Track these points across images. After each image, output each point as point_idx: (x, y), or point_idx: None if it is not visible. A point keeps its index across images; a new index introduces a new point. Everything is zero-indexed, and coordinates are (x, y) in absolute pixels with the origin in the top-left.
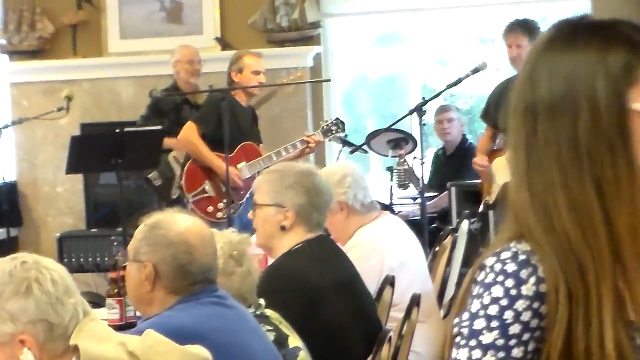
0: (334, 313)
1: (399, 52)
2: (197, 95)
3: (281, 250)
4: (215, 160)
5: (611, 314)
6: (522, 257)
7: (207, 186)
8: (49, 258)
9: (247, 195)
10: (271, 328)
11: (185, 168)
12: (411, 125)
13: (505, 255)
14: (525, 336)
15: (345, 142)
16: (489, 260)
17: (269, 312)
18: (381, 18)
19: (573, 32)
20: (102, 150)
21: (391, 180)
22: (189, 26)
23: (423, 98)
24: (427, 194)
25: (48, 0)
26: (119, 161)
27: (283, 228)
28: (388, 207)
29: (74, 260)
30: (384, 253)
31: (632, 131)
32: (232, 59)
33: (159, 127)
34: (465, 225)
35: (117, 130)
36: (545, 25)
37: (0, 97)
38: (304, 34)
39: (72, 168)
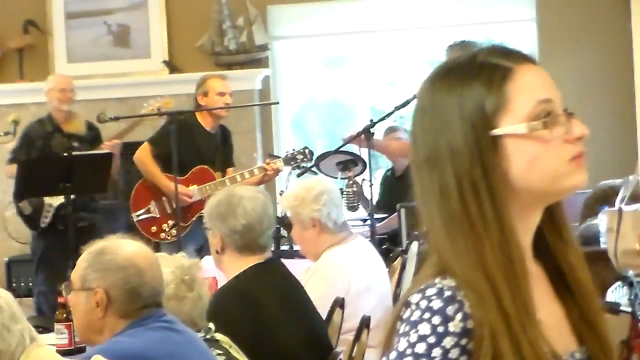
0: (283, 335)
1: (347, 74)
2: (68, 123)
3: (230, 273)
4: (164, 180)
5: (534, 346)
6: (447, 293)
7: (153, 206)
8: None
9: (194, 219)
10: (221, 352)
11: (135, 187)
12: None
13: (431, 291)
14: None
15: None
16: (414, 297)
17: (219, 336)
18: (329, 40)
19: (435, 81)
20: (50, 175)
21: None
22: (136, 50)
23: (371, 120)
24: (376, 216)
25: None
26: (67, 185)
27: (217, 252)
28: None
29: (22, 284)
30: (351, 277)
31: (502, 161)
32: (198, 83)
33: (107, 152)
34: (415, 246)
35: (65, 154)
36: None
37: None
38: (252, 56)
39: (20, 193)
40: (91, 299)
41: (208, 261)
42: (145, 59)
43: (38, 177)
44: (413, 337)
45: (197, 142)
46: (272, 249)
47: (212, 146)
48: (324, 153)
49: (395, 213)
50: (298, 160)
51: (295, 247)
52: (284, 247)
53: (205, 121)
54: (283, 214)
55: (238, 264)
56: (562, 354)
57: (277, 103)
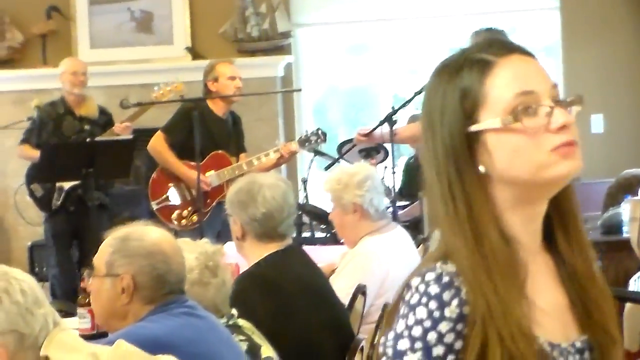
0: (303, 320)
1: (370, 61)
2: (81, 106)
3: (251, 260)
4: (181, 168)
5: (514, 335)
6: (445, 278)
7: (172, 194)
8: (17, 268)
9: (214, 204)
10: (244, 338)
11: (152, 176)
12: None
13: (430, 276)
14: (449, 358)
15: (317, 152)
16: (414, 281)
17: (241, 322)
18: (352, 28)
19: (436, 74)
20: (72, 160)
21: None
22: (159, 36)
23: (393, 107)
24: (399, 203)
25: (17, 9)
26: (90, 170)
27: (238, 238)
28: None
29: (44, 269)
30: (388, 267)
31: (484, 155)
32: (206, 70)
33: (130, 137)
34: (437, 234)
35: (87, 140)
36: (515, 37)
37: None
38: (274, 43)
39: (42, 177)
40: (117, 284)
41: (230, 247)
42: (168, 46)
43: (61, 162)
44: (410, 320)
45: (211, 128)
46: (293, 236)
47: (225, 132)
48: (346, 140)
49: (418, 200)
50: (312, 142)
51: (317, 234)
52: (305, 234)
53: (217, 107)
54: (305, 201)
55: (258, 251)
56: (562, 342)
57: (300, 90)
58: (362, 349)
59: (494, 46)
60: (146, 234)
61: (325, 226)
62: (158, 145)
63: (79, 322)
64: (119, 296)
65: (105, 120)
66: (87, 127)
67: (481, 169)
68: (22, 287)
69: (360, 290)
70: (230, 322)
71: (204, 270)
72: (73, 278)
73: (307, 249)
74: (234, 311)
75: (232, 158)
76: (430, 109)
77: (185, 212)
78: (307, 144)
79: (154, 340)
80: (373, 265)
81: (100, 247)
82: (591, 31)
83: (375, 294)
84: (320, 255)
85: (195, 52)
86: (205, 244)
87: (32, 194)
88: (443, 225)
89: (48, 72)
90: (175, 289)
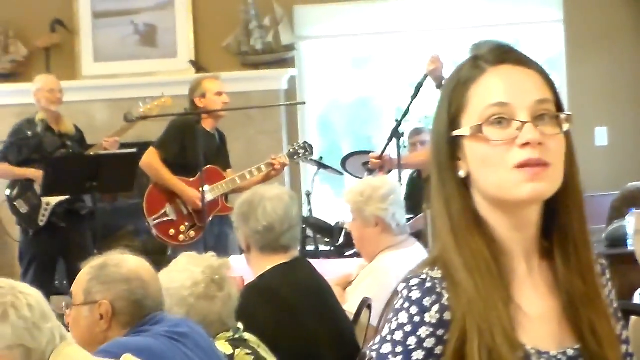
0: (307, 332)
1: (374, 74)
2: (58, 123)
3: (256, 272)
4: (177, 184)
5: (505, 337)
6: (428, 284)
7: (168, 209)
8: (24, 283)
9: (210, 219)
10: (250, 352)
11: (146, 192)
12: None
13: (414, 282)
14: None
15: (320, 165)
16: (400, 286)
17: (247, 335)
18: (355, 41)
19: (447, 79)
20: (77, 173)
21: None
22: (163, 49)
23: (396, 120)
24: None
25: (21, 23)
26: (94, 184)
27: (242, 251)
28: None
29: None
30: None
31: (465, 160)
32: (193, 86)
33: (133, 151)
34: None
35: (91, 153)
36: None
37: None
38: (278, 56)
39: (47, 191)
40: (95, 311)
41: (235, 260)
42: (171, 59)
43: (65, 176)
44: (393, 325)
45: (201, 143)
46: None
47: (214, 147)
48: (350, 153)
49: (422, 214)
50: (300, 155)
51: (321, 247)
52: (309, 247)
53: (206, 122)
54: (309, 214)
55: (263, 263)
56: (552, 349)
57: (304, 103)
58: None
59: (490, 54)
60: (124, 260)
61: (329, 239)
62: (153, 161)
63: None
64: (98, 323)
65: (79, 136)
66: (68, 142)
67: (461, 173)
68: (29, 302)
69: (366, 304)
70: (236, 336)
71: (210, 284)
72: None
73: (313, 262)
74: (240, 325)
75: (223, 173)
76: (436, 112)
77: (182, 228)
78: (295, 156)
79: (140, 348)
80: (392, 281)
81: (77, 276)
82: (595, 44)
83: None
84: (324, 268)
85: (199, 66)
86: (211, 258)
87: (15, 211)
88: (435, 227)
89: None
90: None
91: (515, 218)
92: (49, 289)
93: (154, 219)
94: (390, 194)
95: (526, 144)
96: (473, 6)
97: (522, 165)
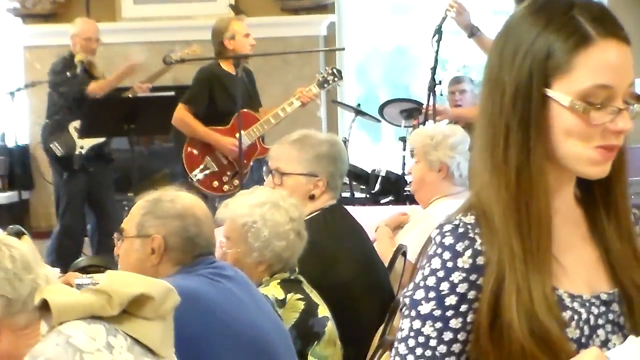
0: (347, 281)
1: (413, 22)
2: (93, 69)
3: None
4: (212, 135)
5: (541, 282)
6: (461, 230)
7: (209, 162)
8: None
9: (251, 164)
10: (302, 297)
11: (183, 149)
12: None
13: (447, 227)
14: (463, 307)
15: (358, 112)
16: (434, 232)
17: (302, 278)
18: None
19: (535, 9)
20: (115, 116)
21: (403, 150)
22: None
23: (431, 68)
24: None
25: None
26: (132, 126)
27: (312, 197)
28: (401, 177)
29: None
30: None
31: (547, 117)
32: (220, 28)
33: (172, 94)
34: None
35: (130, 96)
36: None
37: (14, 60)
38: (318, 2)
39: (85, 132)
40: (147, 245)
41: None
42: (211, 2)
43: (103, 117)
44: (426, 270)
45: (229, 89)
46: None
47: (243, 89)
48: (388, 101)
49: None
50: (330, 81)
51: (357, 195)
52: (345, 194)
53: (230, 66)
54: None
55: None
56: (585, 293)
57: (343, 49)
58: (401, 309)
59: (600, 20)
60: (178, 197)
61: (364, 187)
62: (184, 117)
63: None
64: (149, 257)
65: None
66: None
67: None
68: (11, 254)
69: (401, 251)
70: (292, 277)
71: (301, 223)
72: (78, 243)
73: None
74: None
75: (256, 114)
76: (518, 41)
77: (225, 177)
78: (325, 84)
79: (185, 291)
80: None
81: (131, 209)
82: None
83: None
84: (359, 215)
85: (238, 9)
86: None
87: (51, 153)
88: (483, 172)
89: None
90: (204, 252)
91: (569, 175)
92: (84, 230)
93: (195, 174)
94: (459, 143)
95: (618, 132)
96: None
97: (604, 148)
